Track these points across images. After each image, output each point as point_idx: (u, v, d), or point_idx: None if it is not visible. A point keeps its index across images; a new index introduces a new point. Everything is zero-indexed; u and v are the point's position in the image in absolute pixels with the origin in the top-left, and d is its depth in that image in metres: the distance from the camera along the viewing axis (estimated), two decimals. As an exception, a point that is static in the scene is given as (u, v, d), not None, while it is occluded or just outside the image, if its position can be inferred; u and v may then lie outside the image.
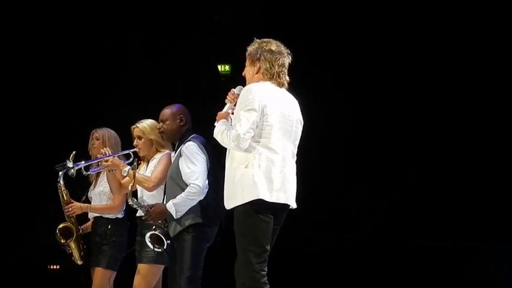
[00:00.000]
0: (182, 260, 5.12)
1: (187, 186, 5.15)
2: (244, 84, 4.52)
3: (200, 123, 5.55)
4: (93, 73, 8.44)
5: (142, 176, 5.52)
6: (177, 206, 5.12)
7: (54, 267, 8.34)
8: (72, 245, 5.80)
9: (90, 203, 5.93)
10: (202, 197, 5.17)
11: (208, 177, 5.21)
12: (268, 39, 4.50)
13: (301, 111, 4.56)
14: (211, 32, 8.17)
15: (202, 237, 5.19)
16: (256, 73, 4.46)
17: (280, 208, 4.38)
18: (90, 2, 8.21)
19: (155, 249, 5.26)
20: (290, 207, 4.46)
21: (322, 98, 7.89)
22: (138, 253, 5.55)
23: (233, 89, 4.58)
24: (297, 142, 4.49)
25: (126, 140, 5.82)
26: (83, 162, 5.63)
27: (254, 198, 4.26)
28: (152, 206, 5.29)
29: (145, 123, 5.63)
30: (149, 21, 8.41)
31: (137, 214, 5.63)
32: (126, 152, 5.71)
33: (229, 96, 4.58)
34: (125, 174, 5.50)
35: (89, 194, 5.99)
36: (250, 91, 4.35)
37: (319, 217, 8.27)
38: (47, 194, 8.05)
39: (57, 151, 7.86)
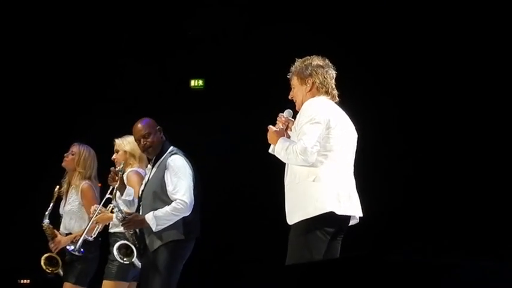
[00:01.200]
0: (155, 276, 4.99)
1: (172, 201, 5.01)
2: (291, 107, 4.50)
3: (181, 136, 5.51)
4: (79, 84, 8.36)
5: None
6: (159, 219, 4.97)
7: (25, 281, 8.25)
8: (61, 271, 5.81)
9: (60, 220, 5.94)
10: (188, 213, 5.02)
11: (194, 192, 5.08)
12: (308, 56, 4.50)
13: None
14: (189, 45, 8.08)
15: (179, 253, 5.07)
16: (310, 90, 4.43)
17: (346, 220, 4.35)
18: (77, 15, 8.14)
19: (124, 261, 5.14)
20: (356, 217, 4.40)
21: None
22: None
23: (281, 114, 4.51)
24: (354, 154, 4.47)
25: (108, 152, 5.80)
26: (72, 247, 5.53)
27: (323, 212, 4.19)
28: (130, 214, 5.15)
29: (125, 138, 5.65)
30: (137, 35, 8.34)
31: (109, 230, 5.61)
32: (106, 197, 5.53)
33: (279, 121, 4.49)
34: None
35: (61, 211, 5.97)
36: (312, 105, 4.33)
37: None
38: (19, 207, 8.01)
39: (37, 163, 7.83)
